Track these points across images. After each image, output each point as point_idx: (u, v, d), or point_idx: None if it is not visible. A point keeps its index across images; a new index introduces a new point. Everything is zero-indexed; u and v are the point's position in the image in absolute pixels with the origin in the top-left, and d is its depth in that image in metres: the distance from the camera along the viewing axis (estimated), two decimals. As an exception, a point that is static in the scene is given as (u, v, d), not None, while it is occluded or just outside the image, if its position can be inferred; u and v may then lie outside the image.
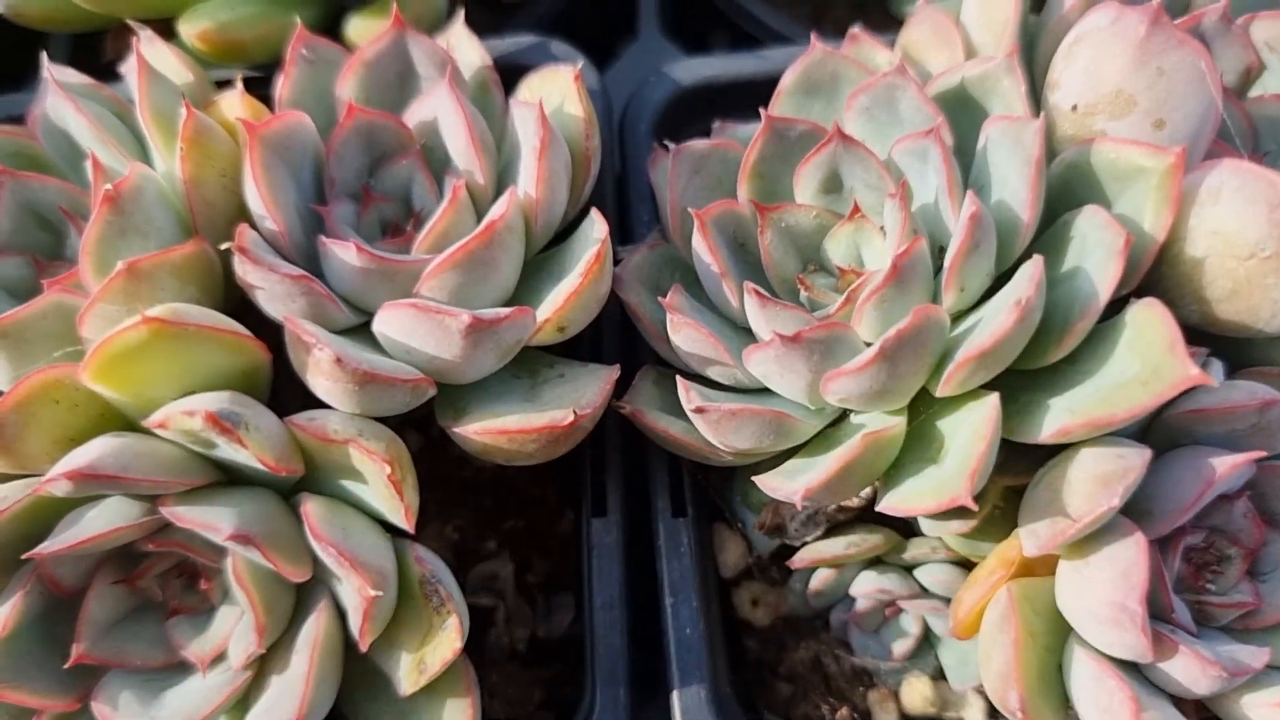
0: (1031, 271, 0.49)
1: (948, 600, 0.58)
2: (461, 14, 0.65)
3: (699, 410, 0.52)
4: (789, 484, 0.51)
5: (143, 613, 0.60)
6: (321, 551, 0.52)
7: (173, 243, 0.57)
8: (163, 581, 0.60)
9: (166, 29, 0.71)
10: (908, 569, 0.58)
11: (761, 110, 0.58)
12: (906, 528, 0.59)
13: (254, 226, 0.57)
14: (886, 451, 0.52)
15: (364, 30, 0.70)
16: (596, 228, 0.56)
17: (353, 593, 0.52)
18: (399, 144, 0.60)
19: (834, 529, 0.58)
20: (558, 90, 0.60)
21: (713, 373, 0.56)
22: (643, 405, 0.57)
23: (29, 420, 0.54)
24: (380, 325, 0.54)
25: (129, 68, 0.66)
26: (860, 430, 0.53)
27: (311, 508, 0.53)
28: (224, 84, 0.68)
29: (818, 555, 0.57)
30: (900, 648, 0.59)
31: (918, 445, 0.53)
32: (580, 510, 0.63)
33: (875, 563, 0.58)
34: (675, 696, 0.55)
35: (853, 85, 0.59)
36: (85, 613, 0.58)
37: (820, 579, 0.59)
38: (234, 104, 0.61)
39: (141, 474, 0.52)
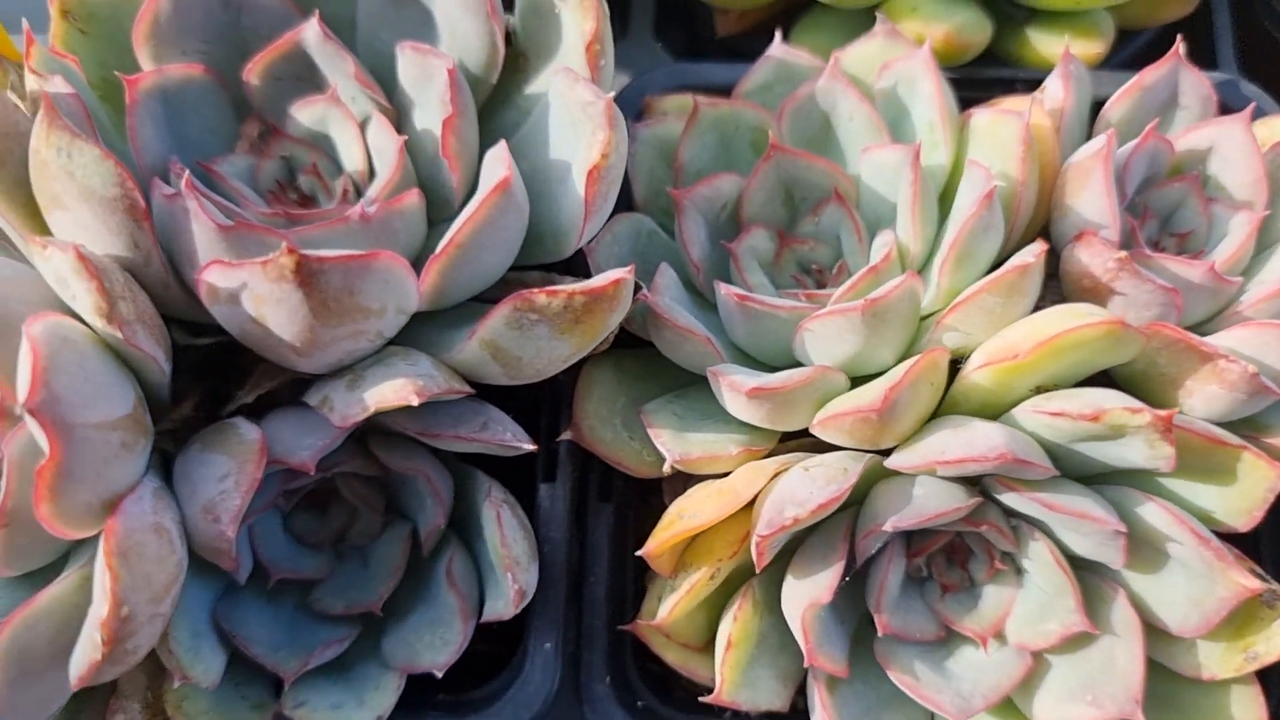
0: None
1: None
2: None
3: None
4: None
5: (909, 587, 0.62)
6: (1198, 547, 0.56)
7: (1003, 240, 0.60)
8: (928, 559, 0.63)
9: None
10: None
11: None
12: None
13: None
14: None
15: (1053, 45, 0.74)
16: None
17: (1207, 585, 0.57)
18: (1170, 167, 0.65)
19: None
20: (1310, 136, 0.66)
21: None
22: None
23: (912, 400, 0.56)
24: (1229, 340, 0.58)
25: (867, 57, 0.68)
26: None
27: (1167, 505, 0.57)
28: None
29: None
30: None
31: None
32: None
33: None
34: None
35: None
36: (883, 585, 0.60)
37: None
38: (1024, 109, 0.63)
39: (1036, 459, 0.56)
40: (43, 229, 0.59)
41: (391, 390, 0.55)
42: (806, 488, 0.57)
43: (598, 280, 0.56)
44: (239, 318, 0.54)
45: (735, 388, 0.57)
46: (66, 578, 0.56)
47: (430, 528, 0.63)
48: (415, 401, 0.54)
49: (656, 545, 0.58)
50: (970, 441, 0.55)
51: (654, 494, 0.69)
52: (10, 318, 0.54)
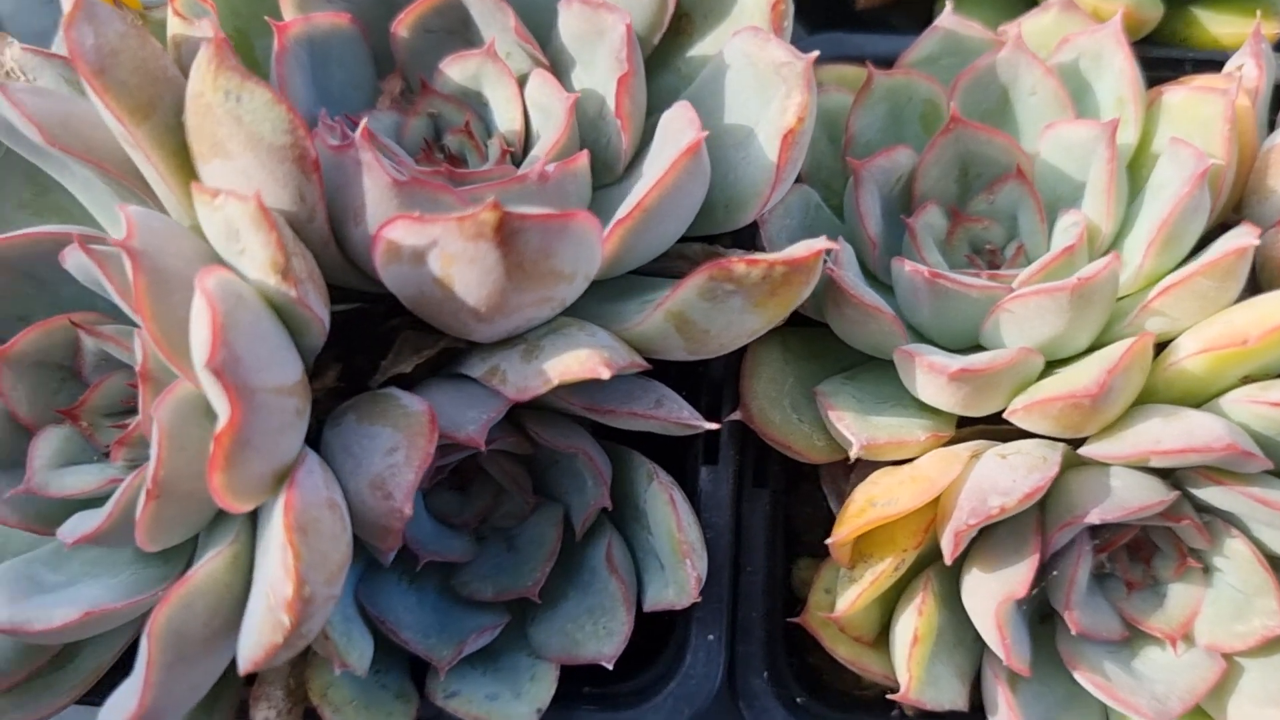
0: None
1: None
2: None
3: None
4: None
5: (1092, 584, 0.60)
6: None
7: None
8: (1111, 555, 0.60)
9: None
10: None
11: None
12: None
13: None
14: None
15: (1222, 26, 0.71)
16: None
17: None
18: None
19: None
20: None
21: None
22: None
23: (1124, 386, 0.54)
24: None
25: (1042, 30, 0.65)
26: None
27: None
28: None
29: None
30: None
31: None
32: None
33: None
34: None
35: None
36: (1073, 580, 0.57)
37: None
38: (1222, 87, 0.61)
39: (1256, 452, 0.53)
40: (191, 179, 0.54)
41: (576, 362, 0.52)
42: (1009, 476, 0.54)
43: (799, 250, 0.52)
44: (419, 279, 0.50)
45: (936, 369, 0.54)
46: (218, 555, 0.52)
47: (589, 510, 0.59)
48: (605, 374, 0.51)
49: (848, 533, 0.55)
50: (1189, 432, 0.52)
51: (805, 479, 0.66)
52: (168, 273, 0.50)
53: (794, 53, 0.54)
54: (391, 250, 0.50)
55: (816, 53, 0.54)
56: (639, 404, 0.56)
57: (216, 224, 0.50)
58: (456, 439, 0.53)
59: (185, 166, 0.54)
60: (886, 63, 0.67)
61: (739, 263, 0.52)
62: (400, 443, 0.52)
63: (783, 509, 0.66)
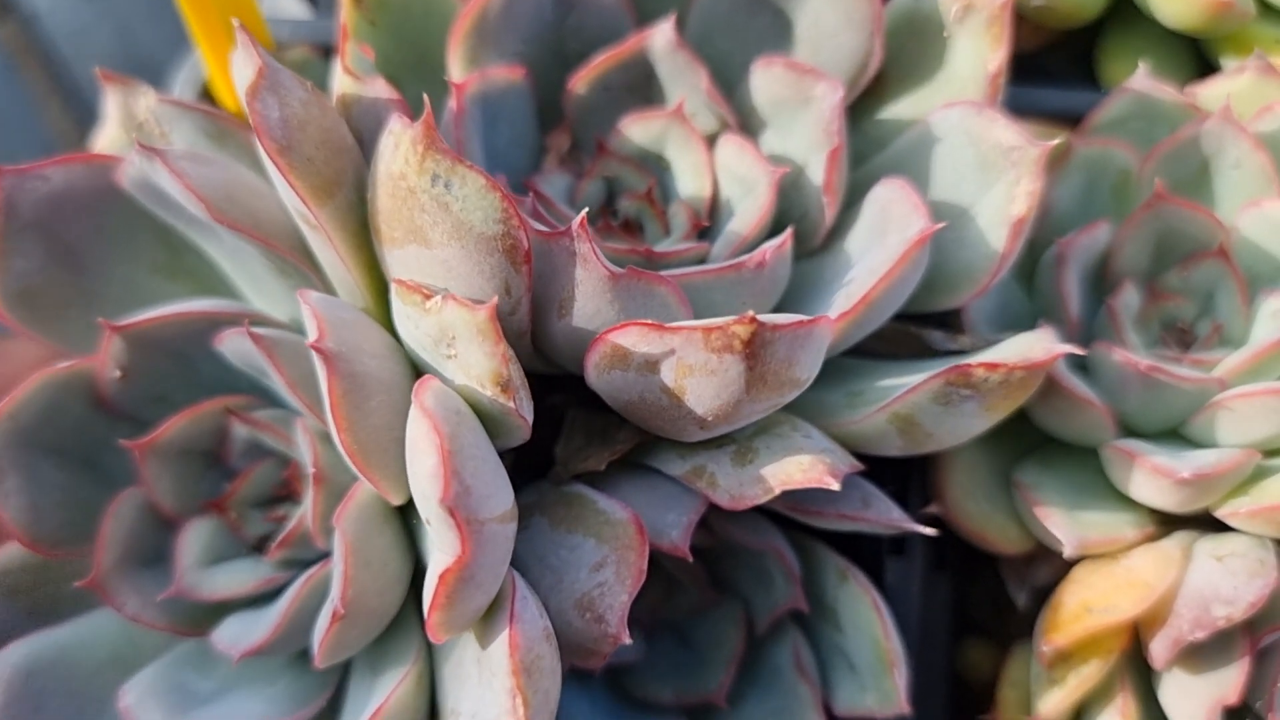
0: None
1: None
2: None
3: None
4: None
5: (1289, 682, 0.58)
6: None
7: None
8: (1306, 651, 0.58)
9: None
10: None
11: None
12: None
13: None
14: None
15: None
16: None
17: None
18: None
19: None
20: None
21: None
22: None
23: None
24: None
25: (1236, 96, 0.62)
26: None
27: None
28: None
29: None
30: None
31: None
32: None
33: None
34: None
35: None
36: (1277, 684, 0.56)
37: None
38: None
39: None
40: (370, 262, 0.49)
41: (798, 470, 0.48)
42: (1229, 583, 0.51)
43: (1036, 353, 0.49)
44: (644, 386, 0.46)
45: (1161, 472, 0.52)
46: (404, 677, 0.48)
47: (778, 610, 0.56)
48: (834, 485, 0.47)
49: (1067, 641, 0.52)
50: None
51: (980, 560, 0.63)
52: (363, 378, 0.45)
53: (1025, 136, 0.50)
54: (618, 356, 0.45)
55: (1055, 141, 0.50)
56: (846, 505, 0.52)
57: (426, 325, 0.45)
58: (660, 548, 0.49)
59: (365, 247, 0.49)
60: (1057, 119, 0.63)
61: (978, 366, 0.48)
62: (608, 558, 0.48)
63: (957, 591, 0.63)
